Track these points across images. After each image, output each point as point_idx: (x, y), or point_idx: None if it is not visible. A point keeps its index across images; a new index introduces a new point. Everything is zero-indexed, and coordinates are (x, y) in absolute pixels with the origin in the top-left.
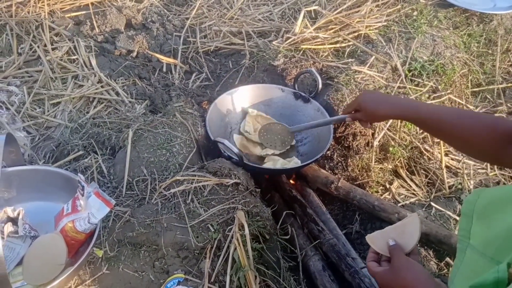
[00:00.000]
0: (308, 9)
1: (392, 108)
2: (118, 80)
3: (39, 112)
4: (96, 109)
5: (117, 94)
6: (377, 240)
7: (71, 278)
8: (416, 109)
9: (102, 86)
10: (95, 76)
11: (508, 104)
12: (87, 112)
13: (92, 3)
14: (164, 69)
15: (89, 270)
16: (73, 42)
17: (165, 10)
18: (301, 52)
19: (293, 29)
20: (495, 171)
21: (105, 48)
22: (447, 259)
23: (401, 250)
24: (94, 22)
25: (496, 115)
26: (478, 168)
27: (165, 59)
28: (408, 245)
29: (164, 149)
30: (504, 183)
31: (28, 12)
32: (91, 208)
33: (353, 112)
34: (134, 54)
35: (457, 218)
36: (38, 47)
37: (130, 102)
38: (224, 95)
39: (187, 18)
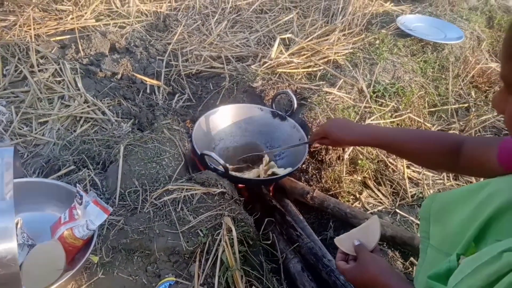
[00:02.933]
0: (283, 36)
1: (356, 136)
2: (104, 100)
3: (27, 131)
4: (83, 127)
5: (103, 113)
6: (344, 241)
7: (68, 283)
8: (378, 136)
9: (88, 106)
10: (81, 96)
11: (460, 123)
12: (74, 131)
13: (77, 28)
14: (148, 90)
15: (85, 275)
16: (59, 64)
17: (147, 36)
18: (277, 75)
19: (269, 55)
20: (451, 181)
21: (91, 70)
22: (411, 259)
23: (365, 248)
24: (80, 46)
25: (449, 132)
26: (436, 179)
27: (149, 81)
28: (371, 243)
29: (154, 163)
30: None
31: (14, 35)
32: (90, 216)
33: (320, 138)
34: (119, 76)
35: (419, 222)
36: (24, 68)
37: (116, 121)
38: (208, 113)
39: (169, 43)
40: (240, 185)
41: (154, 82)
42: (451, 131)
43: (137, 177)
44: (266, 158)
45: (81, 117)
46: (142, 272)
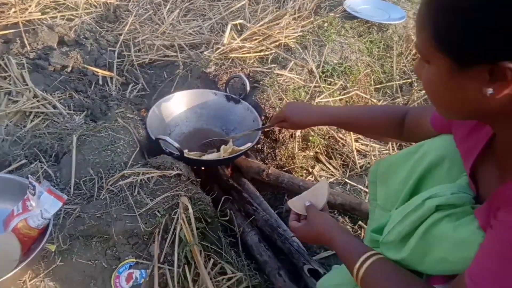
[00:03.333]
0: (234, 22)
1: (314, 119)
2: (54, 94)
3: None
4: (34, 122)
5: (54, 107)
6: (296, 203)
7: (25, 272)
8: (334, 115)
9: (38, 101)
10: (30, 91)
11: (404, 97)
12: (24, 126)
13: (21, 22)
14: (101, 82)
15: (43, 264)
16: (3, 60)
17: (97, 27)
18: (230, 60)
19: (221, 41)
20: (395, 150)
21: (39, 65)
22: (360, 222)
23: (315, 207)
24: (25, 40)
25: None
26: (383, 149)
27: (100, 72)
28: (320, 203)
29: (108, 150)
30: None
31: None
32: (44, 205)
33: (280, 122)
34: (69, 69)
35: (367, 190)
36: None
37: (68, 114)
38: (162, 100)
39: (120, 34)
40: (196, 167)
41: (106, 73)
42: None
43: (91, 166)
44: (230, 144)
45: (30, 112)
46: (102, 256)
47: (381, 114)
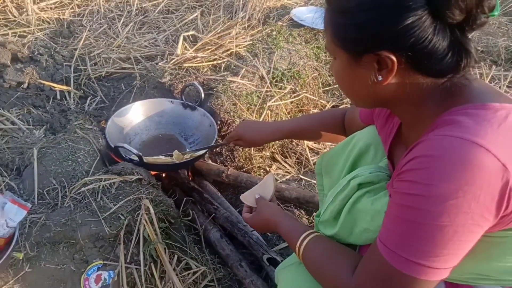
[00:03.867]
0: (187, 34)
1: (267, 134)
2: (12, 110)
3: None
4: None
5: (13, 123)
6: (247, 197)
7: None
8: (285, 129)
9: None
10: None
11: None
12: None
13: None
14: (58, 97)
15: (11, 272)
16: None
17: (51, 43)
18: (185, 69)
19: (175, 52)
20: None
21: None
22: (314, 214)
23: (263, 198)
24: None
25: (341, 107)
26: (333, 146)
27: (58, 87)
28: (268, 195)
29: (70, 161)
30: None
31: None
32: (8, 214)
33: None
34: (25, 85)
35: None
36: None
37: (27, 128)
38: (121, 110)
39: (75, 49)
40: (156, 171)
41: (64, 87)
42: (343, 105)
43: (54, 176)
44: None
45: None
46: (70, 261)
47: (327, 119)
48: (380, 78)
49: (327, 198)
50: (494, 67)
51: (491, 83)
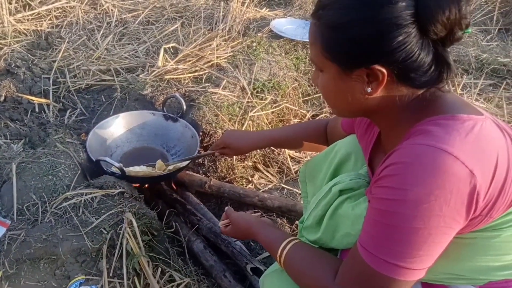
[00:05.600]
0: (167, 46)
1: (253, 142)
2: None
3: None
4: None
5: None
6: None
7: None
8: (270, 138)
9: None
10: None
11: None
12: None
13: None
14: (37, 110)
15: None
16: None
17: (29, 55)
18: (166, 81)
19: (156, 64)
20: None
21: None
22: (296, 222)
23: (231, 210)
24: None
25: (321, 116)
26: (314, 155)
27: (36, 100)
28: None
29: (50, 175)
30: None
31: None
32: None
33: (221, 148)
34: (2, 98)
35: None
36: None
37: (5, 143)
38: (102, 123)
39: (54, 61)
40: (139, 184)
41: (42, 100)
42: (323, 114)
43: (34, 191)
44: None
45: None
46: (51, 277)
47: (310, 128)
48: (369, 90)
49: (310, 205)
50: (465, 75)
51: (463, 91)
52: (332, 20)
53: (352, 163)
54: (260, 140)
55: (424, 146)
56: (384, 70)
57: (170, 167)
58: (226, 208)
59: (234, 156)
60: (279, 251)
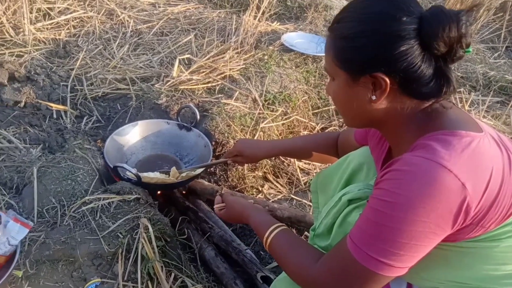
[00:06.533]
0: (182, 57)
1: (265, 151)
2: (9, 129)
3: None
4: None
5: (10, 142)
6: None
7: None
8: (281, 147)
9: None
10: None
11: (340, 120)
12: None
13: None
14: (55, 116)
15: None
16: None
17: (48, 63)
18: (180, 91)
19: (171, 74)
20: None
21: None
22: (306, 233)
23: (228, 193)
24: None
25: (330, 129)
26: (323, 167)
27: (54, 106)
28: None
29: (69, 180)
30: None
31: None
32: (11, 232)
33: (234, 156)
34: (22, 104)
35: (311, 204)
36: None
37: (24, 147)
38: (119, 130)
39: (72, 69)
40: (153, 191)
41: (60, 107)
42: (332, 127)
43: (53, 195)
44: (183, 175)
45: None
46: (68, 278)
47: (321, 140)
48: (374, 97)
49: (321, 214)
50: (473, 92)
51: (470, 107)
52: (343, 31)
53: (364, 173)
54: (271, 149)
55: (422, 158)
56: (386, 79)
57: (183, 174)
58: (223, 191)
59: (245, 166)
60: (266, 234)
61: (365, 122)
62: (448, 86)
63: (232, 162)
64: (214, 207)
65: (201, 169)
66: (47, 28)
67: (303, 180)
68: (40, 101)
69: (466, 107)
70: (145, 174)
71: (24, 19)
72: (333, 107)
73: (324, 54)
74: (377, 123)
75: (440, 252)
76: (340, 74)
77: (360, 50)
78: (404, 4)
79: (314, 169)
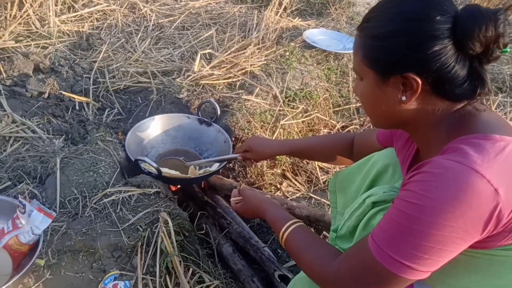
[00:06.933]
0: (203, 52)
1: (276, 148)
2: (33, 119)
3: None
4: (14, 146)
5: (34, 132)
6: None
7: (16, 286)
8: (292, 147)
9: (17, 126)
10: (8, 117)
11: (360, 118)
12: (5, 150)
13: None
14: (77, 107)
15: (33, 277)
16: None
17: (71, 55)
18: (201, 86)
19: (192, 68)
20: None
21: (16, 91)
22: (324, 232)
23: (246, 187)
24: (1, 68)
25: (351, 127)
26: (342, 167)
27: (77, 98)
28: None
29: (91, 171)
30: None
31: None
32: (34, 222)
33: (244, 151)
34: (46, 95)
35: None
36: None
37: (47, 137)
38: (140, 124)
39: (95, 61)
40: (173, 185)
41: (83, 99)
42: (353, 126)
43: (75, 186)
44: (192, 168)
45: (10, 137)
46: (88, 269)
47: (335, 141)
48: (404, 98)
49: (344, 215)
50: (500, 94)
51: (497, 109)
52: (374, 30)
53: (389, 175)
54: (281, 147)
55: (454, 162)
56: (418, 79)
57: (201, 171)
58: (241, 186)
59: (264, 163)
60: (283, 229)
61: (393, 123)
62: (483, 88)
63: (242, 158)
64: (231, 199)
65: (217, 164)
66: (71, 21)
67: (322, 178)
68: (63, 92)
69: (493, 109)
70: (165, 170)
71: (49, 12)
72: (354, 105)
73: (347, 52)
74: (406, 125)
75: (469, 259)
76: (369, 74)
77: (391, 50)
78: (437, 2)
79: (334, 168)
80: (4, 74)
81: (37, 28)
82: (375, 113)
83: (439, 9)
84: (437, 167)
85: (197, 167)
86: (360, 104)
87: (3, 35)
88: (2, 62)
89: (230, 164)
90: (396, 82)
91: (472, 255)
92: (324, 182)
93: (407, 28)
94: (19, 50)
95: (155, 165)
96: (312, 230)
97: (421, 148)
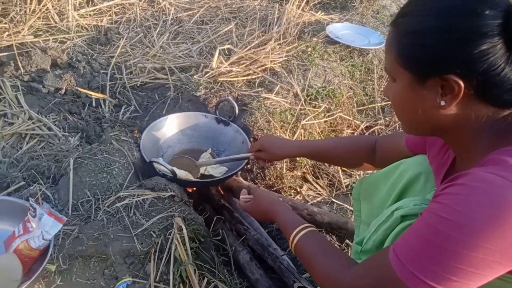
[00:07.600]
0: (222, 47)
1: (291, 149)
2: (49, 116)
3: None
4: (29, 144)
5: (49, 129)
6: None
7: None
8: (305, 148)
9: (33, 123)
10: (25, 113)
11: (386, 118)
12: (21, 148)
13: (14, 45)
14: (94, 104)
15: (44, 284)
16: None
17: (89, 50)
18: (219, 83)
19: (210, 65)
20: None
21: (33, 87)
22: (347, 241)
23: (260, 189)
24: (19, 63)
25: (375, 128)
26: (368, 172)
27: (94, 94)
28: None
29: (104, 173)
30: None
31: None
32: (45, 226)
33: (256, 151)
34: (63, 91)
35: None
36: None
37: (63, 135)
38: (155, 123)
39: (112, 57)
40: (188, 188)
41: (100, 95)
42: (377, 127)
43: (88, 188)
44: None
45: (26, 134)
46: (100, 276)
47: (356, 143)
48: (443, 103)
49: (370, 228)
50: None
51: None
52: (410, 26)
53: (421, 185)
54: (296, 148)
55: (495, 176)
56: (460, 82)
57: (217, 172)
58: (252, 186)
59: (284, 165)
60: (293, 233)
61: (428, 129)
62: None
63: (255, 158)
64: (240, 197)
65: (238, 169)
66: (89, 15)
67: (345, 182)
68: (80, 89)
69: None
70: (179, 171)
71: (68, 6)
72: (379, 104)
73: (372, 47)
74: (443, 132)
75: (506, 285)
76: (404, 75)
77: (430, 48)
78: None
79: (357, 171)
80: (22, 69)
81: (56, 23)
82: (409, 119)
83: (488, 2)
84: (475, 180)
85: (206, 168)
86: (385, 103)
87: (23, 29)
88: (20, 57)
89: (248, 166)
90: (435, 85)
91: (509, 281)
92: (347, 186)
93: (450, 23)
94: (38, 45)
95: (170, 167)
96: (334, 238)
97: (459, 158)
